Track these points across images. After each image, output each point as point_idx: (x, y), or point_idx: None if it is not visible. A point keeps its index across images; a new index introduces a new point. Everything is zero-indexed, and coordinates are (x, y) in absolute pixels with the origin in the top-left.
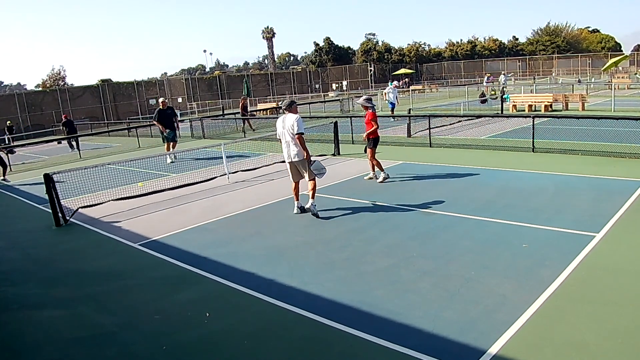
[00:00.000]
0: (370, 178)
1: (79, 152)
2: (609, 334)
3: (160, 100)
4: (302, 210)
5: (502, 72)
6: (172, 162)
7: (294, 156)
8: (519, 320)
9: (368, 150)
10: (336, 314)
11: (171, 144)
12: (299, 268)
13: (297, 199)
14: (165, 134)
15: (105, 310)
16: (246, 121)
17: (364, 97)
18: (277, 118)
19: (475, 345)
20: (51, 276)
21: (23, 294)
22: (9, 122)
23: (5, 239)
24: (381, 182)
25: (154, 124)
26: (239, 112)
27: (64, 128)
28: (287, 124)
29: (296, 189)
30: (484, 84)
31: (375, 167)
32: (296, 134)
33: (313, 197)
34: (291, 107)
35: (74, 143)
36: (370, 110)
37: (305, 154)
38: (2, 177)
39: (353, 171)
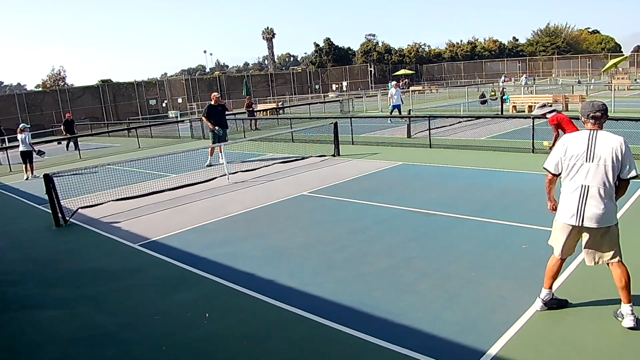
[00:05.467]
0: None
1: (79, 152)
2: (608, 334)
3: (213, 94)
4: (555, 304)
5: (524, 73)
6: (210, 165)
7: (597, 218)
8: (518, 321)
9: None
10: (336, 314)
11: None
12: (298, 268)
13: (550, 286)
14: (215, 131)
15: (105, 310)
16: (251, 120)
17: (542, 103)
18: (277, 119)
19: (475, 346)
20: (51, 276)
21: (23, 294)
22: None
23: (5, 239)
24: None
25: (202, 120)
26: (245, 112)
27: (63, 127)
28: (607, 151)
29: (559, 268)
30: (500, 83)
31: None
32: (628, 178)
33: (630, 299)
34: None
35: (71, 144)
36: (556, 114)
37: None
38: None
39: (353, 172)
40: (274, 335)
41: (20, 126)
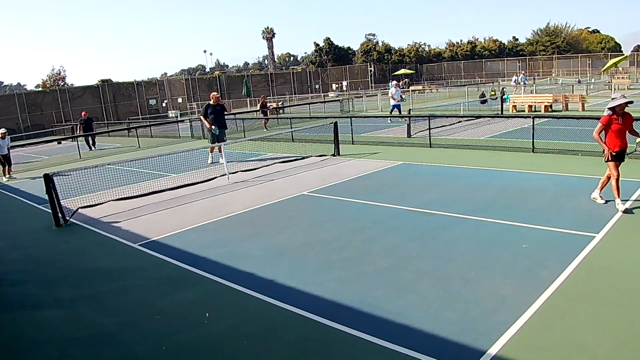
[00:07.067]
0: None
1: (79, 152)
2: (608, 334)
3: (213, 94)
4: None
5: (522, 72)
6: (212, 162)
7: None
8: (518, 320)
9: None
10: (336, 314)
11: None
12: (299, 268)
13: None
14: (212, 131)
15: (105, 310)
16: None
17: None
18: (277, 119)
19: (475, 346)
20: (51, 276)
21: (23, 294)
22: None
23: (5, 239)
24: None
25: (200, 120)
26: (257, 111)
27: (82, 126)
28: None
29: None
30: (512, 83)
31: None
32: None
33: None
34: None
35: (90, 141)
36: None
37: None
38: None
39: (353, 171)
40: (274, 335)
41: (4, 131)
